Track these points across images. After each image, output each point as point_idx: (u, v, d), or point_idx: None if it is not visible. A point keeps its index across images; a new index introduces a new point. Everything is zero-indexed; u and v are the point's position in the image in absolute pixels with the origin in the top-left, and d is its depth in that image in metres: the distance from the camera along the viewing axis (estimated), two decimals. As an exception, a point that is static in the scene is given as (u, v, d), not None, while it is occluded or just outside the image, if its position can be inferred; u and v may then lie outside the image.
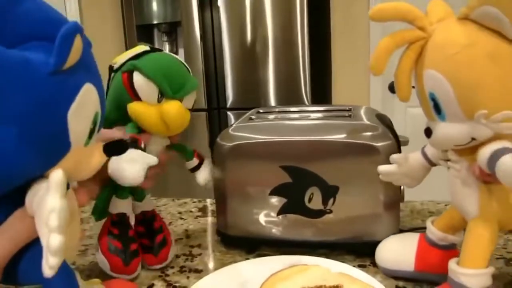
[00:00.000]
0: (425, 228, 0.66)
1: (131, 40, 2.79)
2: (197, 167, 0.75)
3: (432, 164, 0.63)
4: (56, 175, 0.41)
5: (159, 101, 0.65)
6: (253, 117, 0.82)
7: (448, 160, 0.57)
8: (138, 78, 0.64)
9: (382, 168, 0.66)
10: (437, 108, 0.51)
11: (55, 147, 0.43)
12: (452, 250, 0.64)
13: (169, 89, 0.65)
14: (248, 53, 2.58)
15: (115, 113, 0.67)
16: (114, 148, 0.49)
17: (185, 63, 0.71)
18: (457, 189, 0.56)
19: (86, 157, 0.47)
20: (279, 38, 2.53)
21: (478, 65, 0.47)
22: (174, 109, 0.65)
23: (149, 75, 0.64)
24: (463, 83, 0.48)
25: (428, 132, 0.54)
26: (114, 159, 0.60)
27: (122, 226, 0.71)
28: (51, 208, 0.38)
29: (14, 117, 0.38)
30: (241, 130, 0.76)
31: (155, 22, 2.75)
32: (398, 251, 0.67)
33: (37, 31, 0.41)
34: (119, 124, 0.68)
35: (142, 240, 0.74)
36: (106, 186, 0.68)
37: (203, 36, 2.63)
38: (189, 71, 0.71)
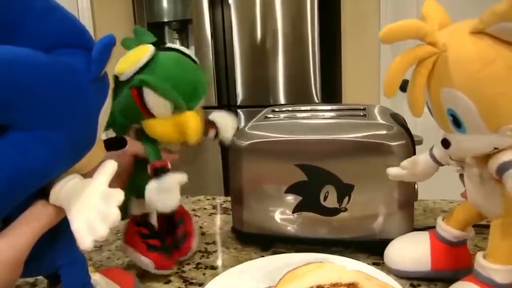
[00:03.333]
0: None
1: (142, 37, 2.79)
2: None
3: (441, 164, 0.64)
4: (111, 164, 0.46)
5: (173, 112, 0.64)
6: (269, 115, 0.83)
7: (461, 163, 0.58)
8: (149, 95, 0.62)
9: (392, 171, 0.66)
10: (457, 123, 0.50)
11: (86, 146, 0.45)
12: (464, 246, 0.65)
13: (182, 101, 0.63)
14: (258, 51, 2.58)
15: (122, 119, 0.66)
16: (114, 144, 0.54)
17: (193, 57, 0.69)
18: (478, 192, 0.57)
19: (95, 151, 0.49)
20: (289, 35, 2.53)
21: (501, 79, 0.46)
22: (192, 122, 0.63)
23: (160, 90, 0.62)
24: (486, 99, 0.47)
25: (446, 144, 0.54)
26: (153, 188, 0.63)
27: (149, 225, 0.72)
28: (111, 211, 0.43)
29: (63, 122, 0.41)
30: (257, 129, 0.77)
31: (166, 20, 2.76)
32: (411, 251, 0.67)
33: (68, 39, 0.44)
34: (126, 127, 0.68)
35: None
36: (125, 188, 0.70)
37: (213, 34, 2.64)
38: (196, 63, 0.68)
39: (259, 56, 2.59)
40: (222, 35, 2.65)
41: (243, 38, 2.59)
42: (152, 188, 0.63)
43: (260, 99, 2.59)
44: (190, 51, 0.69)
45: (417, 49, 0.50)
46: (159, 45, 0.67)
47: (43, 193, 0.45)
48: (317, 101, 2.50)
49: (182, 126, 0.63)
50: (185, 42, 2.85)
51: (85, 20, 3.11)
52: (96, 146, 0.48)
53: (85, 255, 0.52)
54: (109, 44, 0.43)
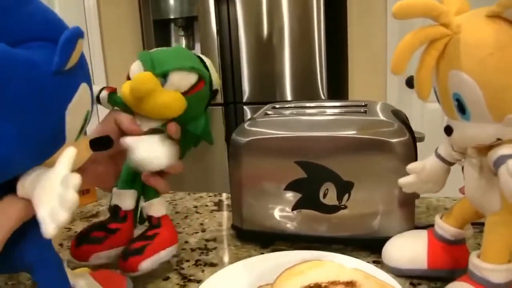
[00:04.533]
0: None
1: (148, 34, 2.80)
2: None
3: (450, 164, 0.62)
4: (69, 150, 0.43)
5: None
6: (268, 112, 0.82)
7: (463, 155, 0.57)
8: (134, 63, 0.65)
9: (402, 180, 0.65)
10: (461, 108, 0.49)
11: (52, 142, 0.45)
12: (462, 245, 0.64)
13: (149, 65, 0.63)
14: (264, 47, 2.58)
15: None
16: (100, 143, 0.52)
17: (201, 56, 0.69)
18: (476, 184, 0.55)
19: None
20: (296, 32, 2.52)
21: (510, 68, 0.45)
22: (136, 75, 0.62)
23: (139, 56, 0.64)
24: (494, 86, 0.46)
25: (448, 131, 0.53)
26: (135, 141, 0.63)
27: (112, 216, 0.71)
28: (68, 195, 0.41)
29: (15, 113, 0.40)
30: (257, 125, 0.77)
31: (172, 17, 2.77)
32: (408, 249, 0.67)
33: (39, 32, 0.43)
34: None
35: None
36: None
37: (219, 31, 2.64)
38: (202, 61, 0.68)
39: (265, 52, 2.58)
40: (228, 32, 2.65)
41: (249, 34, 2.59)
42: (140, 142, 0.64)
43: (266, 96, 2.59)
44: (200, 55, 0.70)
45: (430, 28, 0.49)
46: None
47: (13, 189, 0.45)
48: (323, 98, 2.49)
49: (130, 83, 0.63)
50: (191, 39, 2.85)
51: (91, 17, 3.13)
52: (78, 146, 0.48)
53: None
54: (73, 36, 0.42)
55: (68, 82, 0.44)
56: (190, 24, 2.82)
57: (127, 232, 0.71)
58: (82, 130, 0.50)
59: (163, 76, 0.63)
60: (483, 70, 0.46)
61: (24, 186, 0.44)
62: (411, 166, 0.64)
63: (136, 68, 0.64)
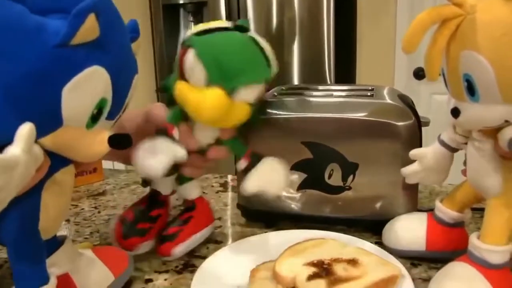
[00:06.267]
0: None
1: (157, 20, 2.81)
2: (246, 170, 0.67)
3: (453, 150, 0.63)
4: (23, 126, 0.38)
5: (206, 85, 0.59)
6: (276, 94, 0.83)
7: (466, 138, 0.57)
8: (189, 56, 0.59)
9: (405, 169, 0.66)
10: (471, 90, 0.49)
11: (44, 120, 0.42)
12: (461, 227, 0.65)
13: (217, 76, 0.58)
14: (273, 35, 2.58)
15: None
16: (119, 141, 0.48)
17: (261, 44, 0.63)
18: (479, 167, 0.56)
19: (86, 140, 0.47)
20: (305, 19, 2.52)
21: None
22: (208, 99, 0.58)
23: (200, 55, 0.58)
24: (508, 66, 0.46)
25: (456, 112, 0.52)
26: (140, 147, 0.60)
27: (153, 202, 0.71)
28: (9, 150, 0.37)
29: (2, 81, 0.39)
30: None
31: (181, 1, 2.77)
32: (407, 231, 0.68)
33: (60, 4, 0.42)
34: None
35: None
36: None
37: (228, 17, 2.64)
38: (267, 60, 0.63)
39: (273, 40, 2.57)
40: (237, 17, 2.65)
41: (258, 22, 2.59)
42: (141, 146, 0.61)
43: (273, 83, 2.58)
44: (264, 42, 0.64)
45: (443, 8, 0.49)
46: (242, 29, 0.63)
47: None
48: (330, 87, 2.49)
49: (198, 99, 0.59)
50: (199, 25, 2.85)
51: (101, 1, 3.12)
52: (89, 135, 0.46)
53: (92, 227, 0.51)
54: (83, 10, 0.40)
55: (70, 58, 0.42)
56: (199, 9, 2.82)
57: (166, 216, 0.73)
58: (98, 119, 0.47)
59: (232, 89, 0.59)
60: (497, 50, 0.46)
61: None
62: (414, 152, 0.65)
63: (196, 70, 0.59)
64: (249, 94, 0.61)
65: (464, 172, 0.60)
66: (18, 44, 0.39)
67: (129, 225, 0.69)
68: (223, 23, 0.63)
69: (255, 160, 0.67)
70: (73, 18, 0.40)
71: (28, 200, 0.45)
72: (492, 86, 0.47)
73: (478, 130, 0.55)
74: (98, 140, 0.47)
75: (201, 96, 0.58)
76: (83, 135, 0.46)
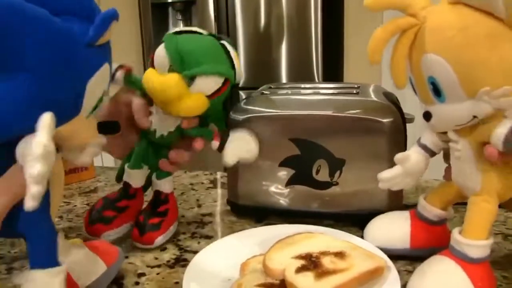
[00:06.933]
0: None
1: (146, 18, 2.81)
2: (221, 148, 0.71)
3: (432, 154, 0.64)
4: (46, 116, 0.42)
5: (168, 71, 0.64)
6: (265, 92, 0.85)
7: (449, 141, 0.59)
8: (159, 48, 0.65)
9: (383, 175, 0.65)
10: (437, 91, 0.53)
11: (67, 109, 0.47)
12: (443, 225, 0.67)
13: (177, 63, 0.63)
14: (261, 33, 2.59)
15: None
16: (107, 127, 0.55)
17: (227, 46, 0.67)
18: (459, 167, 0.58)
19: (81, 128, 0.51)
20: (293, 17, 2.54)
21: (475, 45, 0.49)
22: (167, 78, 0.63)
23: (166, 45, 0.64)
24: (463, 63, 0.49)
25: (427, 116, 0.56)
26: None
27: (123, 194, 0.75)
28: (37, 140, 0.40)
29: (35, 66, 0.41)
30: (253, 104, 0.79)
31: (170, 0, 2.77)
32: (390, 229, 0.68)
33: (72, 7, 0.46)
34: None
35: (140, 216, 0.74)
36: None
37: (217, 16, 2.65)
38: (229, 58, 0.67)
39: (262, 39, 2.60)
40: (225, 17, 2.66)
41: (246, 20, 2.60)
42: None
43: (262, 82, 2.57)
44: (233, 50, 0.68)
45: (399, 19, 0.54)
46: (215, 36, 0.68)
47: None
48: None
49: (158, 80, 0.64)
50: (188, 24, 2.86)
51: (90, -1, 3.11)
52: (85, 123, 0.50)
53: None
54: (113, 15, 0.46)
55: (95, 57, 0.48)
56: (188, 8, 2.82)
57: (135, 208, 0.76)
58: (96, 109, 0.52)
59: (190, 78, 0.63)
60: (451, 49, 0.50)
61: (19, 153, 0.43)
62: (398, 156, 0.64)
63: (161, 58, 0.64)
64: (205, 85, 0.65)
65: (446, 177, 0.62)
66: (52, 42, 0.42)
67: (95, 212, 0.73)
68: (199, 29, 0.68)
69: (225, 136, 0.71)
70: (101, 23, 0.46)
71: None
72: (454, 84, 0.51)
73: (453, 131, 0.57)
74: (93, 127, 0.53)
75: (161, 78, 0.64)
76: (81, 123, 0.50)
